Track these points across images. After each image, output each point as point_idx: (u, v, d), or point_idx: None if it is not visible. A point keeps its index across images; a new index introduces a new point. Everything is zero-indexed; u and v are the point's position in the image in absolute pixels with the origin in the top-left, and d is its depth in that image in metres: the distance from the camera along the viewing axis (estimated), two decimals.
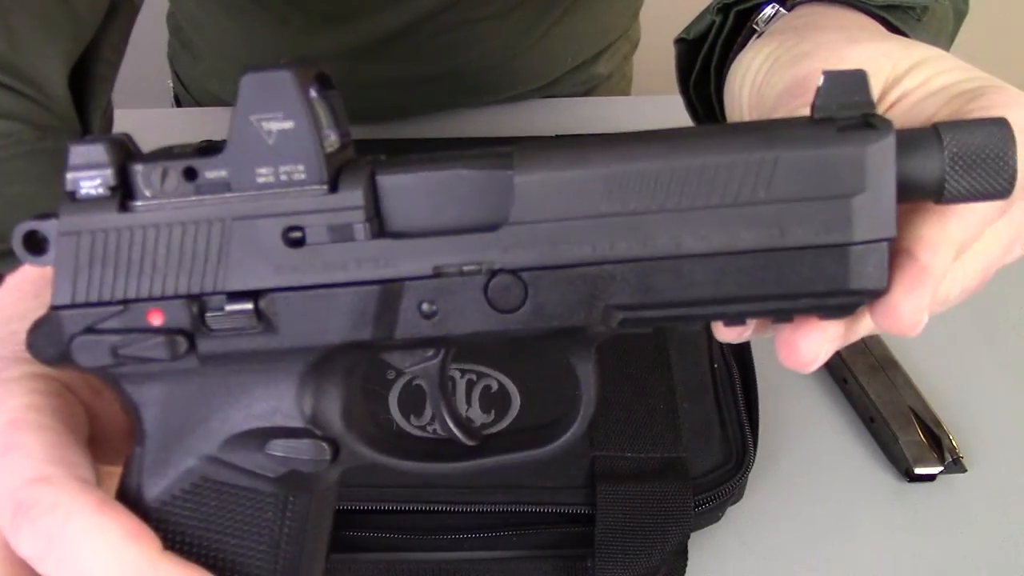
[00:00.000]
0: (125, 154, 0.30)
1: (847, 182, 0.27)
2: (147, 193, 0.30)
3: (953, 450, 0.59)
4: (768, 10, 0.46)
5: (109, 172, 0.29)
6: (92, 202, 0.30)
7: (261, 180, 0.29)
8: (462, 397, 0.58)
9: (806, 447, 0.62)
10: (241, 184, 0.29)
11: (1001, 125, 0.28)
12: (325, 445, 0.32)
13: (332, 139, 0.30)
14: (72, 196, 0.30)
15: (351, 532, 0.53)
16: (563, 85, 0.94)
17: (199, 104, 0.97)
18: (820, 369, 0.66)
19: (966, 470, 0.59)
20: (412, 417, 0.57)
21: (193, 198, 0.29)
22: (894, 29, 0.45)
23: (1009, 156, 0.28)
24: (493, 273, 0.29)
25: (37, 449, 0.31)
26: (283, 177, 0.29)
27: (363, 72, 0.85)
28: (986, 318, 0.70)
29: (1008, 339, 0.69)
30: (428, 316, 0.30)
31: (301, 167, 0.29)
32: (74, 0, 0.54)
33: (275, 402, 0.32)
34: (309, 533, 0.34)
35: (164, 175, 0.29)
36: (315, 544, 0.35)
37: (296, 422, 0.32)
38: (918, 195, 0.28)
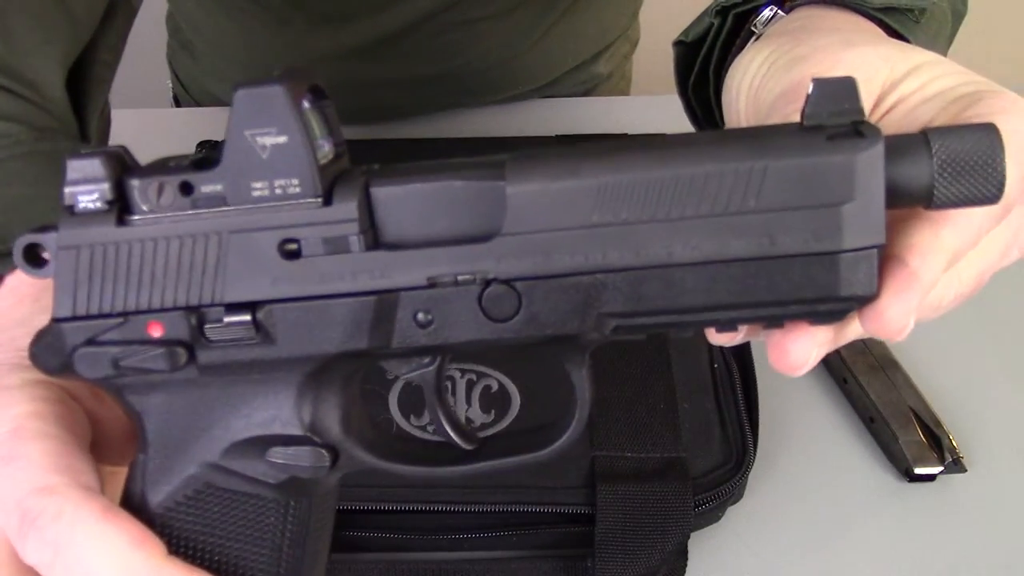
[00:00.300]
0: (122, 167, 0.30)
1: (837, 190, 0.27)
2: (144, 208, 0.30)
3: (953, 450, 0.59)
4: (766, 12, 0.46)
5: (106, 186, 0.30)
6: (90, 216, 0.30)
7: (256, 194, 0.29)
8: (462, 397, 0.58)
9: (806, 447, 0.62)
10: (237, 198, 0.29)
11: (990, 131, 0.28)
12: (324, 452, 0.32)
13: (326, 150, 0.30)
14: (71, 210, 0.30)
15: (351, 532, 0.53)
16: (563, 85, 0.94)
17: (198, 104, 0.97)
18: (820, 369, 0.67)
19: (966, 470, 0.59)
20: (412, 417, 0.57)
21: (190, 212, 0.30)
22: (892, 31, 0.44)
23: (998, 162, 0.28)
24: (487, 283, 0.29)
25: (41, 458, 0.31)
26: (278, 191, 0.29)
27: (363, 72, 0.85)
28: (986, 318, 0.70)
29: (1008, 339, 0.69)
30: (423, 325, 0.30)
31: (295, 181, 0.29)
32: (71, 2, 0.54)
33: (274, 411, 0.32)
34: (311, 536, 0.34)
35: (160, 190, 0.30)
36: (317, 546, 0.35)
37: (295, 430, 0.32)
38: (908, 201, 0.28)
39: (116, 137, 0.47)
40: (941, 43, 0.49)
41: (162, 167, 0.30)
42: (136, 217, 0.30)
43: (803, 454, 0.61)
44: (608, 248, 0.29)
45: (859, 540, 0.57)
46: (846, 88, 0.28)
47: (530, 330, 0.30)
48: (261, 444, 0.32)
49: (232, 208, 0.29)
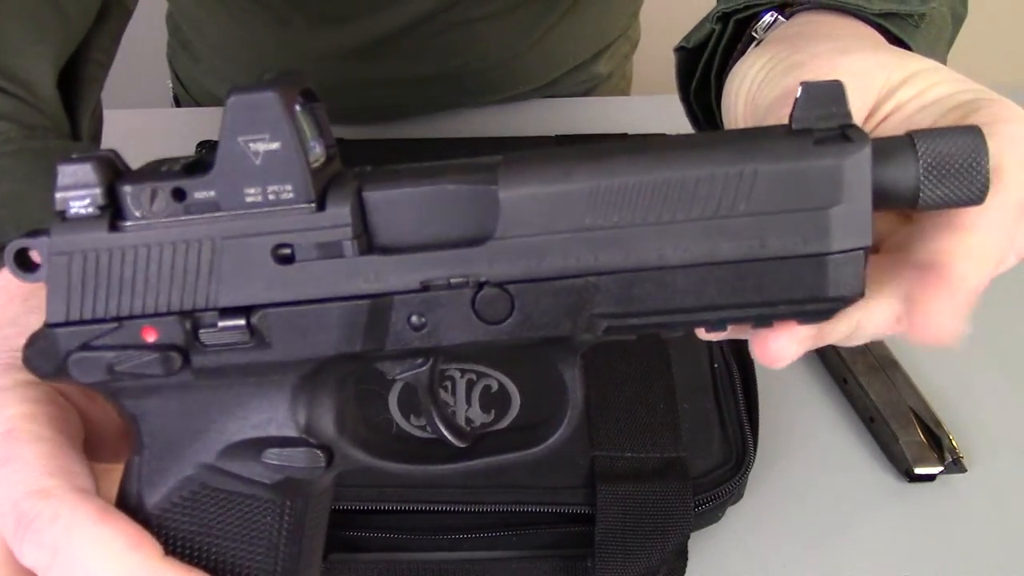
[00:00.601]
0: (113, 172, 0.30)
1: (825, 194, 0.28)
2: (137, 214, 0.30)
3: (953, 450, 0.59)
4: (767, 18, 0.46)
5: (98, 192, 0.30)
6: (82, 221, 0.30)
7: (249, 200, 0.29)
8: (462, 397, 0.58)
9: (806, 447, 0.62)
10: (230, 204, 0.29)
11: (974, 134, 0.28)
12: (319, 452, 0.32)
13: (317, 152, 0.30)
14: (62, 215, 0.30)
15: (351, 532, 0.53)
16: (563, 85, 0.94)
17: (198, 104, 0.97)
18: (820, 369, 0.67)
19: (966, 470, 0.59)
20: (412, 417, 0.57)
21: (183, 218, 0.30)
22: (892, 37, 0.44)
23: (982, 164, 0.28)
24: (480, 286, 0.30)
25: (35, 460, 0.31)
26: (271, 196, 0.29)
27: (363, 72, 0.85)
28: (986, 319, 0.69)
29: (1008, 339, 0.69)
30: (417, 328, 0.30)
31: (289, 187, 0.29)
32: (64, 1, 0.54)
33: (269, 413, 0.32)
34: (307, 534, 0.34)
35: (153, 196, 0.30)
36: (312, 544, 0.35)
37: (291, 431, 0.32)
38: (894, 203, 0.29)
39: (117, 137, 0.47)
40: (941, 47, 0.49)
41: (154, 172, 0.30)
42: (129, 223, 0.30)
43: (803, 454, 0.61)
44: (600, 251, 0.29)
45: (859, 540, 0.57)
46: (834, 92, 0.28)
47: (523, 332, 0.30)
48: (256, 446, 0.32)
49: (225, 214, 0.29)
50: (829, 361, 0.66)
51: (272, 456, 0.32)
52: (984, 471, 0.60)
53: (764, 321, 0.30)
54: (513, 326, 0.30)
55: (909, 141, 0.28)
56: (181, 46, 0.96)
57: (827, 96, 0.28)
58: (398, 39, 0.84)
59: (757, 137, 0.29)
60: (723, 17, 0.49)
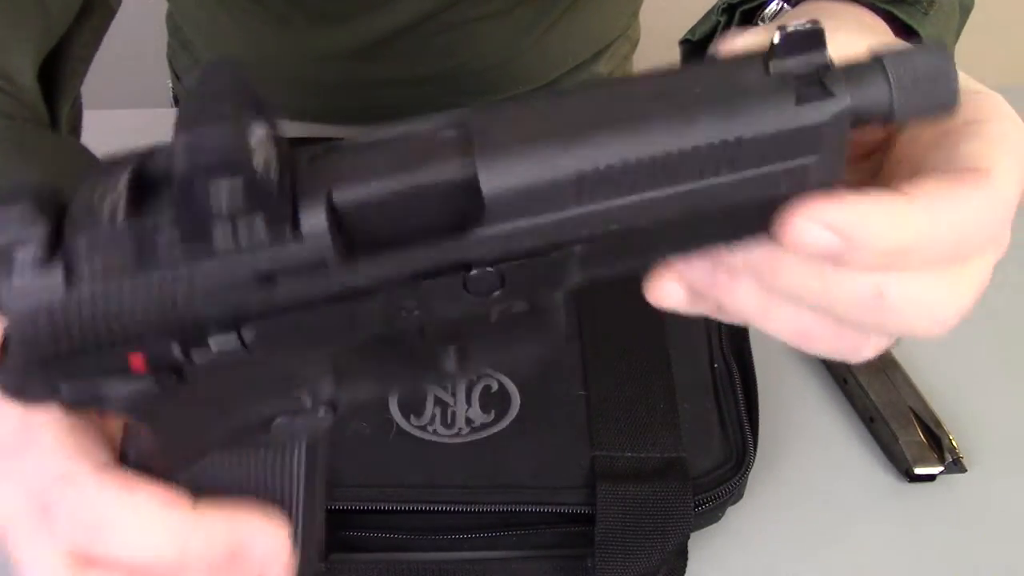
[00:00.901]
0: (53, 213, 0.27)
1: (804, 147, 0.29)
2: (95, 269, 0.27)
3: (953, 450, 0.59)
4: (773, 6, 0.46)
5: (42, 247, 0.27)
6: (32, 271, 0.27)
7: (218, 240, 0.27)
8: (462, 397, 0.58)
9: (806, 447, 0.62)
10: (197, 249, 0.27)
11: (940, 47, 0.29)
12: (325, 409, 0.33)
13: (260, 134, 0.27)
14: (9, 267, 0.27)
15: (351, 532, 0.53)
16: (563, 85, 0.94)
17: None
18: (820, 369, 0.67)
19: (966, 470, 0.59)
20: (412, 417, 0.57)
21: (147, 270, 0.27)
22: (900, 25, 0.44)
23: (951, 73, 0.29)
24: (469, 268, 0.29)
25: (54, 443, 0.31)
26: (242, 232, 0.27)
27: (363, 72, 0.85)
28: (986, 318, 0.69)
29: (1008, 339, 0.69)
30: (410, 312, 0.30)
31: (257, 217, 0.27)
32: None
33: (270, 399, 0.32)
34: (318, 472, 0.35)
35: (107, 256, 0.27)
36: (321, 480, 0.36)
37: (294, 406, 0.33)
38: (870, 122, 0.29)
39: (117, 137, 0.46)
40: (949, 37, 0.49)
41: (99, 217, 0.27)
42: (86, 278, 0.27)
43: (803, 454, 0.61)
44: (587, 225, 0.29)
45: (859, 540, 0.57)
46: (812, 35, 0.28)
47: (512, 299, 0.31)
48: (263, 422, 0.33)
49: (193, 252, 0.27)
50: (829, 361, 0.66)
51: (281, 427, 0.33)
52: (984, 471, 0.60)
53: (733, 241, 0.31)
54: (502, 297, 0.30)
55: (879, 64, 0.29)
56: (181, 46, 0.96)
57: (805, 40, 0.28)
58: (398, 39, 0.84)
59: (736, 95, 0.29)
60: (728, 9, 0.49)
